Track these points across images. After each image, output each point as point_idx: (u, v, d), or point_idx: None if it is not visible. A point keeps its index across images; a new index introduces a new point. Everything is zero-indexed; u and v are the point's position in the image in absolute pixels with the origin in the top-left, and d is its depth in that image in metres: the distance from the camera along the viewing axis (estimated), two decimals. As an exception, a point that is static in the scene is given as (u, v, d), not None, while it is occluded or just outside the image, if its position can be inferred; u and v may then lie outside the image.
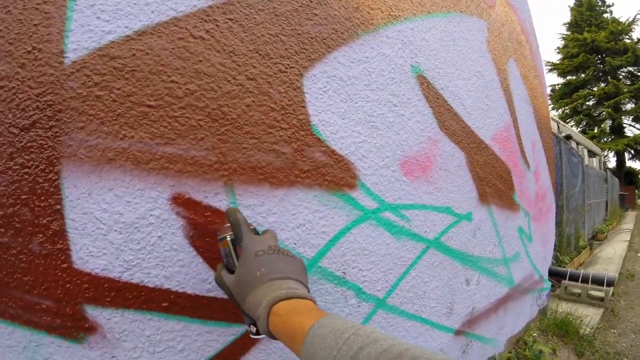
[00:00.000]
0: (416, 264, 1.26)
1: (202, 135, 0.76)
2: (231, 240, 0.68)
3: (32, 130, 0.61)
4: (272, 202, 0.86)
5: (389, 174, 1.14)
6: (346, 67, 1.02)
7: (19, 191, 0.61)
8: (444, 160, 1.38)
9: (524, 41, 2.38)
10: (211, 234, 0.78)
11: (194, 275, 0.76)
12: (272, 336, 0.58)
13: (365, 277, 1.08)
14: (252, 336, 0.67)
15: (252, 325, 0.66)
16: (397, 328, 1.21)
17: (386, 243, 1.14)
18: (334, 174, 0.98)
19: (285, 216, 0.88)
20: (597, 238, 7.57)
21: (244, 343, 0.84)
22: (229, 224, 0.69)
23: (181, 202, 0.74)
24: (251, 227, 0.69)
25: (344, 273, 1.01)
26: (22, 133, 0.61)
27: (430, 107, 1.32)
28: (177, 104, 0.73)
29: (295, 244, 0.91)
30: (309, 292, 0.64)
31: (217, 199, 0.78)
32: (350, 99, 1.03)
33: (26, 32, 0.61)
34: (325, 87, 0.96)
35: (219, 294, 0.80)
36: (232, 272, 0.67)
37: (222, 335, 0.81)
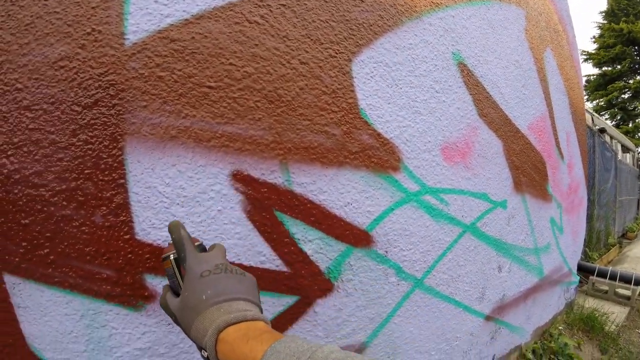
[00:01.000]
0: (453, 247, 1.29)
1: (259, 115, 0.80)
2: (174, 259, 0.60)
3: (95, 108, 0.63)
4: (323, 181, 0.90)
5: (430, 159, 1.17)
6: (392, 53, 1.04)
7: (82, 166, 0.63)
8: (482, 147, 1.40)
9: (560, 30, 2.32)
10: (267, 209, 0.83)
11: (249, 248, 0.81)
12: None
13: (406, 256, 1.12)
14: None
15: (203, 350, 0.57)
16: (432, 309, 1.24)
17: (426, 225, 1.17)
18: (380, 157, 1.02)
19: (334, 195, 0.93)
20: (627, 236, 7.32)
21: (293, 314, 0.89)
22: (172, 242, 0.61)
23: (240, 179, 0.78)
24: (197, 243, 0.62)
25: (386, 252, 1.06)
26: (85, 111, 0.63)
27: (470, 94, 1.33)
28: (236, 86, 0.77)
29: (342, 222, 0.95)
30: (261, 311, 0.59)
31: (273, 176, 0.83)
32: (396, 84, 1.05)
33: (84, 14, 0.62)
34: (372, 72, 0.99)
35: (272, 266, 0.85)
36: (178, 294, 0.60)
37: (273, 305, 0.86)
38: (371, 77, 0.99)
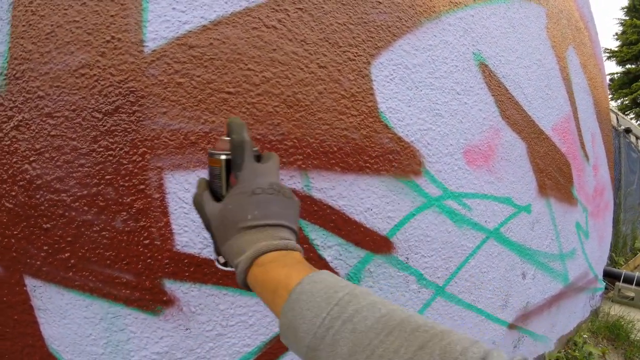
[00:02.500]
0: (476, 253, 1.26)
1: (278, 121, 0.79)
2: (226, 160, 0.53)
3: (116, 115, 0.64)
4: (343, 186, 0.88)
5: (453, 162, 1.14)
6: (411, 55, 1.02)
7: (103, 172, 0.64)
8: (505, 150, 1.36)
9: (582, 28, 2.25)
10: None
11: (268, 254, 0.80)
12: (246, 287, 0.50)
13: (427, 263, 1.09)
14: (218, 266, 0.56)
15: (221, 257, 0.56)
16: (454, 317, 1.21)
17: (448, 231, 1.14)
18: (400, 161, 1.00)
19: (354, 200, 0.91)
20: (654, 240, 7.08)
21: (311, 321, 0.88)
22: (228, 138, 0.53)
23: (259, 184, 0.78)
24: (254, 148, 0.55)
25: (407, 258, 1.03)
26: (106, 117, 0.64)
27: (492, 95, 1.29)
28: (255, 91, 0.76)
29: (362, 228, 0.93)
30: (298, 239, 0.55)
31: (293, 181, 0.81)
32: (416, 86, 1.03)
33: (103, 22, 0.63)
34: (391, 74, 0.97)
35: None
36: (216, 197, 0.54)
37: (292, 312, 0.84)
38: (391, 79, 0.97)
